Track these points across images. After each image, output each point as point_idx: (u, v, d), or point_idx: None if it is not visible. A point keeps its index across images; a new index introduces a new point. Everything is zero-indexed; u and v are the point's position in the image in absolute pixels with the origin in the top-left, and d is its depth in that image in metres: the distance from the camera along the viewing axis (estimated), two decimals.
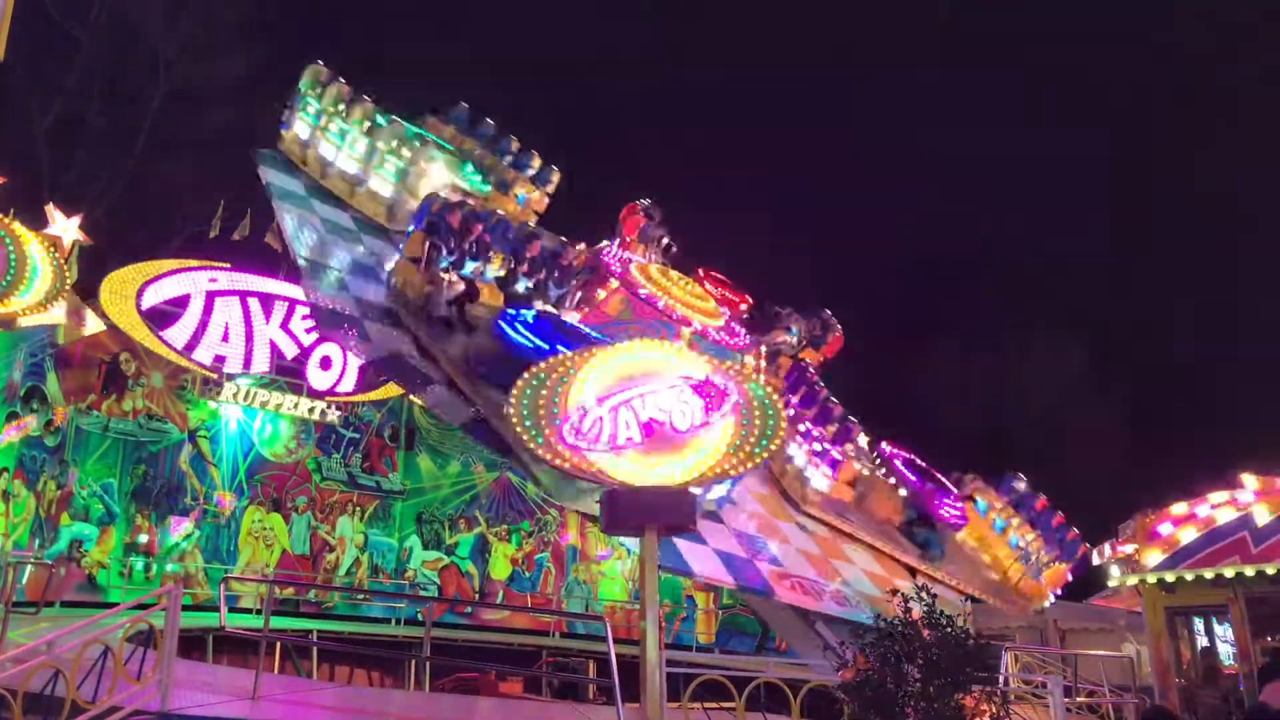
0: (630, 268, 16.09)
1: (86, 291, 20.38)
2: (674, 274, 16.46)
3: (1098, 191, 57.06)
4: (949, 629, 7.15)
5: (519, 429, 9.68)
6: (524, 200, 19.04)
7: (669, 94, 54.70)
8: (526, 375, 10.04)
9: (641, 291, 15.36)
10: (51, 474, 20.28)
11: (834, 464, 17.90)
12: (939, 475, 20.11)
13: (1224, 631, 13.92)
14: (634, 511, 9.43)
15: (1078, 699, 14.84)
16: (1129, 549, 14.22)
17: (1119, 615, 25.60)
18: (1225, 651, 14.30)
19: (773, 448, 9.79)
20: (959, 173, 54.66)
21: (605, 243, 16.95)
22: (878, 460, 19.66)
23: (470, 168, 18.26)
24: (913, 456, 20.34)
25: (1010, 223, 51.99)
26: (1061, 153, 56.20)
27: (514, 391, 10.01)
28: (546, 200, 19.63)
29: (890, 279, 53.03)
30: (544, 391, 9.86)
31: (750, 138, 57.59)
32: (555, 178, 19.63)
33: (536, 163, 19.43)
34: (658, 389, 9.59)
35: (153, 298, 22.15)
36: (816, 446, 17.91)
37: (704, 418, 9.53)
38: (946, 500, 19.18)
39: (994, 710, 7.11)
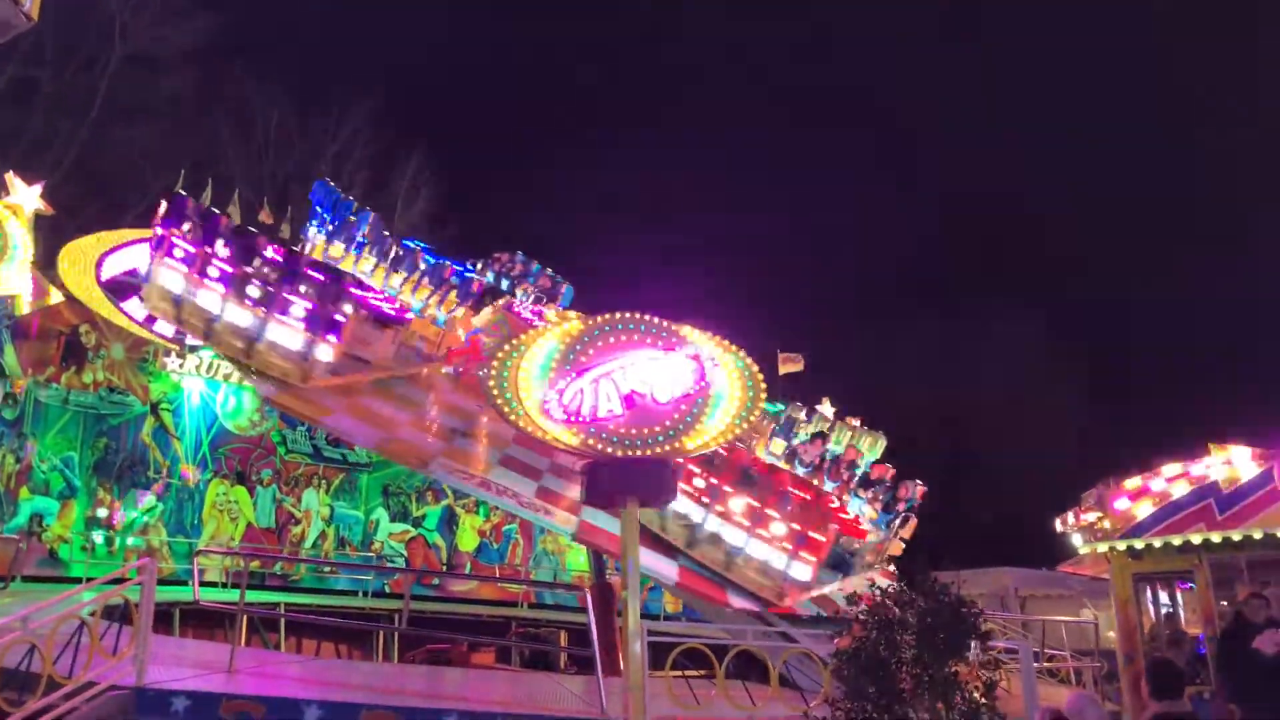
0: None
1: (44, 262, 19.98)
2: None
3: (1062, 157, 57.65)
4: (943, 596, 7.27)
5: (498, 401, 9.63)
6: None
7: None
8: (507, 347, 9.99)
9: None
10: (10, 447, 19.90)
11: (335, 327, 14.39)
12: None
13: (1181, 598, 14.31)
14: (615, 483, 9.42)
15: (1040, 664, 15.16)
16: (1091, 517, 14.45)
17: (1075, 581, 26.14)
18: (1181, 616, 14.70)
19: (752, 419, 9.83)
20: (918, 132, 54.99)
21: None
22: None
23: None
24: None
25: (967, 188, 52.44)
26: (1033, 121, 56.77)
27: (493, 364, 9.97)
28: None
29: (846, 249, 53.43)
30: (523, 364, 9.81)
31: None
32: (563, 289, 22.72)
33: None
34: (639, 361, 9.59)
35: (112, 268, 21.71)
36: (300, 310, 14.18)
37: (685, 390, 9.55)
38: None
39: (989, 677, 7.23)
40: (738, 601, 12.95)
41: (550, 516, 13.07)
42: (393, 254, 19.35)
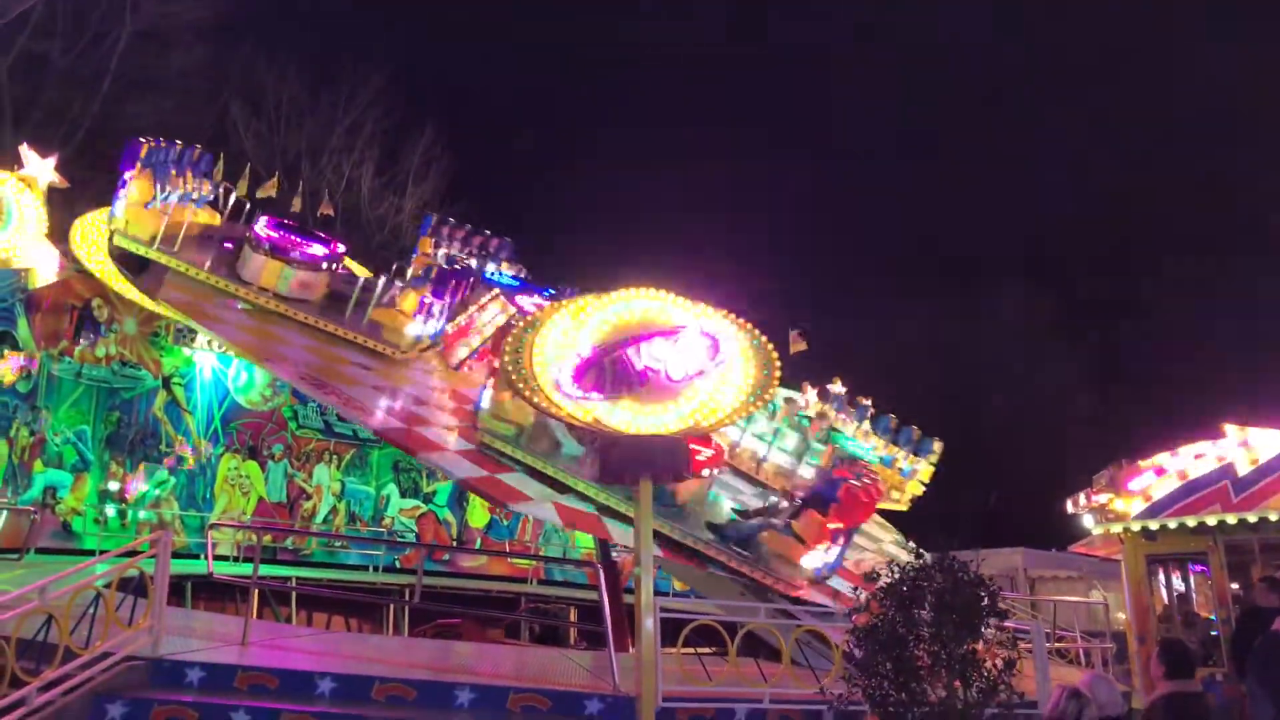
0: None
1: (56, 235, 20.01)
2: None
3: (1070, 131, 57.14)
4: (961, 573, 7.25)
5: (514, 378, 9.62)
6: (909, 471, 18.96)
7: None
8: (520, 324, 9.98)
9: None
10: (24, 420, 19.99)
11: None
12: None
13: (1193, 580, 14.30)
14: (629, 460, 9.41)
15: (1051, 645, 15.15)
16: (1103, 498, 14.44)
17: (1085, 562, 26.19)
18: (1193, 598, 14.69)
19: (768, 397, 9.81)
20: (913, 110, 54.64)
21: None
22: None
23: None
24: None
25: (975, 162, 52.06)
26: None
27: (507, 340, 9.96)
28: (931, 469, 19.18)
29: (853, 232, 53.21)
30: (537, 341, 9.80)
31: None
32: (936, 447, 19.18)
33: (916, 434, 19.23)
34: (653, 338, 9.57)
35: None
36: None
37: (698, 367, 9.53)
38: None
39: (1008, 655, 7.22)
40: (616, 533, 12.85)
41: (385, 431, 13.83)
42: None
